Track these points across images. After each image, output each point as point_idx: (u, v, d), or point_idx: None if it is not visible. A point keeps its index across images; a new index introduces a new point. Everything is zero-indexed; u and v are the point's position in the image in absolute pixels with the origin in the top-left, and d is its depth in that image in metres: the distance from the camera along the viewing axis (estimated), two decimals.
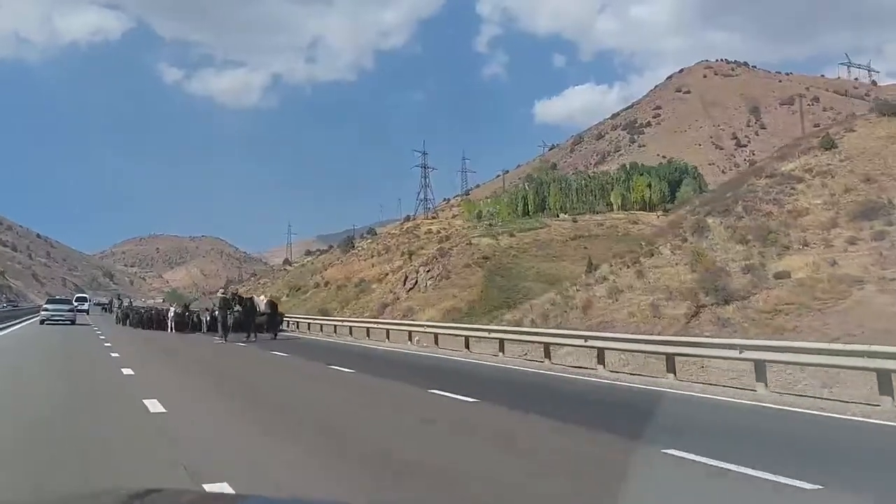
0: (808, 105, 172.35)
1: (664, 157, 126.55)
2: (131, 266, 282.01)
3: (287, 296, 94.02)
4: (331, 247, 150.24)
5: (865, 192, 38.95)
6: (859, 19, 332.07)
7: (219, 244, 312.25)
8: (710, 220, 40.86)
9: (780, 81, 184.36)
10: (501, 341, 20.99)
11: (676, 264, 37.86)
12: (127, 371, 14.48)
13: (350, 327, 34.07)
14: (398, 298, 55.91)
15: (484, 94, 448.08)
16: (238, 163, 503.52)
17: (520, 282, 52.52)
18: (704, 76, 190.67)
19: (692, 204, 76.20)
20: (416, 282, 56.65)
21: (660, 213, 76.55)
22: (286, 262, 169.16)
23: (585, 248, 59.54)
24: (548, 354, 19.07)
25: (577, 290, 39.24)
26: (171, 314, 34.26)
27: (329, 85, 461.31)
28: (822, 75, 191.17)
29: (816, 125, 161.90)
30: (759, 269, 33.52)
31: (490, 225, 70.87)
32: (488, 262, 56.38)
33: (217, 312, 28.90)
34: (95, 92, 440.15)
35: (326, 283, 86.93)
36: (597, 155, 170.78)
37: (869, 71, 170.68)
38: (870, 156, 42.75)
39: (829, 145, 44.58)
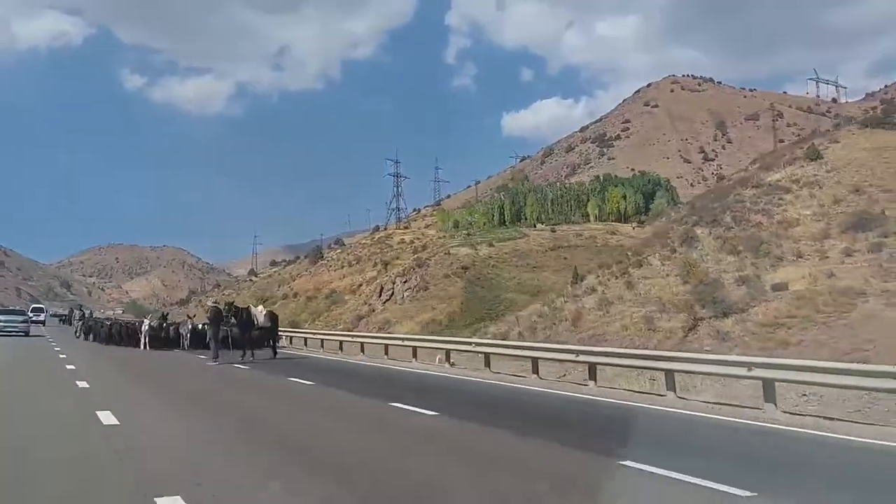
0: (773, 120, 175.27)
1: (633, 169, 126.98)
2: (90, 276, 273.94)
3: (253, 307, 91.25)
4: (298, 257, 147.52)
5: (856, 202, 38.44)
6: (817, 40, 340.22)
7: (180, 254, 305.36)
8: (698, 231, 40.02)
9: (745, 97, 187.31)
10: (487, 356, 19.43)
11: (667, 275, 36.82)
12: (104, 415, 9.16)
13: (321, 340, 32.06)
14: (373, 310, 54.09)
15: (453, 105, 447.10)
16: (202, 172, 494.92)
17: (501, 293, 51.13)
18: (672, 91, 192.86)
19: (668, 216, 75.88)
20: (393, 293, 54.90)
21: (635, 224, 76.14)
22: (252, 272, 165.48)
23: (565, 258, 58.52)
24: (536, 369, 17.63)
25: (565, 302, 37.96)
26: (145, 327, 28.40)
27: (296, 94, 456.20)
28: (785, 92, 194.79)
29: (781, 140, 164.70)
30: (755, 280, 32.60)
31: (468, 234, 69.44)
32: (468, 272, 54.90)
33: (206, 326, 24.48)
34: (55, 98, 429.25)
35: (295, 294, 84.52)
36: (567, 167, 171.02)
37: (837, 86, 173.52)
38: (857, 166, 42.40)
39: (814, 156, 44.18)
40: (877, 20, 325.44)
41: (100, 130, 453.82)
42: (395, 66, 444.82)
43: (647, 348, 27.74)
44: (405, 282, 54.80)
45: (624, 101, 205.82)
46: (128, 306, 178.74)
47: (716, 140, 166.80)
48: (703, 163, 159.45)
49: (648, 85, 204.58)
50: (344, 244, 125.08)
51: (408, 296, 53.26)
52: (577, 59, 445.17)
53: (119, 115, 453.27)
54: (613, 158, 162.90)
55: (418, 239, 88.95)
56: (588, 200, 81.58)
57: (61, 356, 17.21)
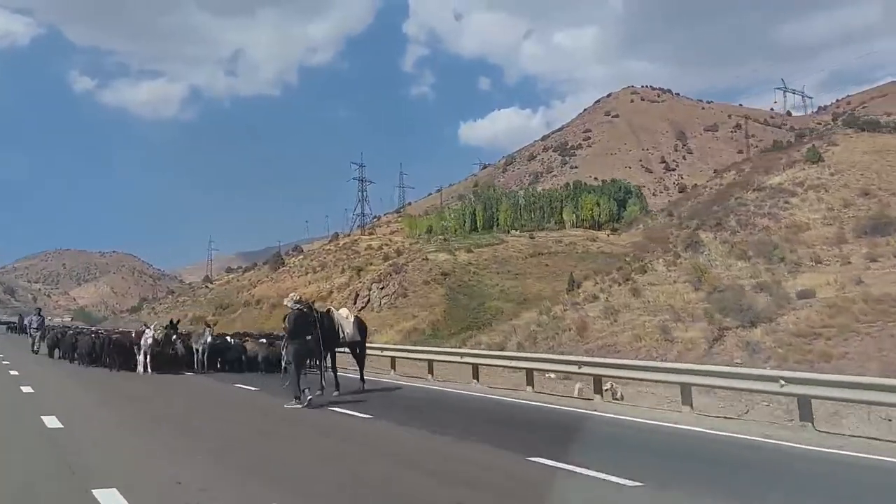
0: (731, 132, 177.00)
1: (597, 178, 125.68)
2: (35, 282, 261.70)
3: (214, 315, 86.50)
4: (255, 264, 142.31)
5: (866, 206, 36.53)
6: (771, 54, 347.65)
7: (130, 260, 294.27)
8: (703, 235, 37.64)
9: (703, 108, 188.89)
10: (475, 367, 16.69)
11: (674, 281, 34.23)
12: None
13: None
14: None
15: (411, 113, 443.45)
16: (154, 176, 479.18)
17: (485, 300, 48.11)
18: (632, 101, 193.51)
19: (646, 223, 74.11)
20: (369, 300, 51.37)
21: (609, 231, 74.12)
22: (207, 279, 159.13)
23: (547, 265, 55.91)
24: (530, 381, 15.09)
25: (565, 310, 35.03)
26: (146, 339, 18.71)
27: (251, 99, 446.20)
28: (741, 104, 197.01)
29: (740, 151, 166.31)
30: (774, 287, 30.19)
31: (444, 240, 66.33)
32: (447, 278, 51.75)
33: (284, 343, 12.87)
34: None
35: (258, 302, 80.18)
36: (530, 175, 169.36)
37: (803, 96, 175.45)
38: (861, 169, 40.65)
39: (815, 158, 42.34)
40: (826, 37, 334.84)
41: (47, 133, 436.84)
42: (354, 74, 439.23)
43: (664, 360, 25.07)
44: (382, 288, 51.34)
45: (584, 110, 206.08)
46: (76, 313, 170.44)
47: (676, 150, 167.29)
48: (664, 172, 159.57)
49: (608, 95, 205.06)
50: (303, 251, 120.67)
51: (385, 303, 49.81)
52: (534, 69, 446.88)
53: (68, 118, 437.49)
54: (576, 167, 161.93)
55: (386, 245, 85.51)
56: (562, 207, 79.25)
57: (24, 389, 12.26)
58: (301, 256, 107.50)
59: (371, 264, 63.37)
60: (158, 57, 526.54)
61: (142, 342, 18.74)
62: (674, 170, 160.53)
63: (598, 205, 80.00)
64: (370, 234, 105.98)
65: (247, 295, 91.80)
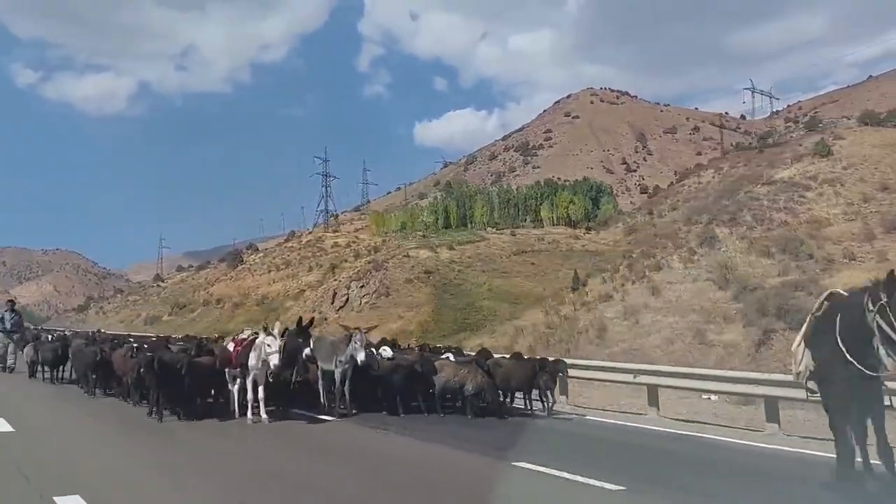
0: (690, 134, 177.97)
1: (559, 178, 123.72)
2: None
3: (170, 314, 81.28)
4: (209, 262, 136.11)
5: (888, 201, 34.56)
6: (723, 60, 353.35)
7: (74, 258, 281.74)
8: (717, 231, 35.09)
9: (662, 111, 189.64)
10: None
11: (694, 280, 31.52)
12: None
13: None
14: (326, 319, 46.40)
15: (366, 113, 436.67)
16: (99, 173, 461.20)
17: (474, 300, 44.81)
18: (591, 103, 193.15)
19: (624, 221, 71.88)
20: (348, 298, 47.52)
21: (584, 229, 71.68)
22: (158, 277, 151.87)
23: (533, 263, 52.96)
24: (654, 402, 11.21)
25: (576, 310, 31.99)
26: (263, 354, 8.85)
27: (202, 96, 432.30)
28: (696, 108, 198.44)
29: (699, 153, 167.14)
30: (811, 285, 27.73)
31: (423, 236, 62.81)
32: (431, 276, 48.30)
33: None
34: None
35: (218, 301, 75.25)
36: (492, 175, 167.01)
37: (770, 97, 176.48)
38: (873, 163, 38.69)
39: (824, 152, 40.28)
40: (773, 46, 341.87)
41: None
42: (308, 72, 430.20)
43: (702, 366, 22.22)
44: (362, 286, 47.55)
45: (544, 111, 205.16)
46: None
47: (637, 152, 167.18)
48: (626, 173, 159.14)
49: (568, 96, 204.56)
50: (258, 249, 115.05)
51: (367, 302, 46.07)
52: (490, 71, 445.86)
53: (10, 112, 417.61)
54: (539, 167, 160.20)
55: (354, 242, 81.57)
56: (538, 205, 76.48)
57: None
58: (261, 254, 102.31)
59: (345, 261, 59.36)
60: (106, 51, 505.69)
61: (251, 360, 9.06)
62: (635, 171, 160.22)
63: (574, 203, 77.50)
64: (334, 231, 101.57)
65: (204, 294, 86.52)
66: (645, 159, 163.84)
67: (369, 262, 50.76)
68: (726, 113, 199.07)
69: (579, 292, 34.06)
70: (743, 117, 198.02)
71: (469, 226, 71.82)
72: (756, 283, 29.23)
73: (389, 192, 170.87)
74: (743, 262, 32.18)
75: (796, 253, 31.01)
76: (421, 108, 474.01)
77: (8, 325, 17.68)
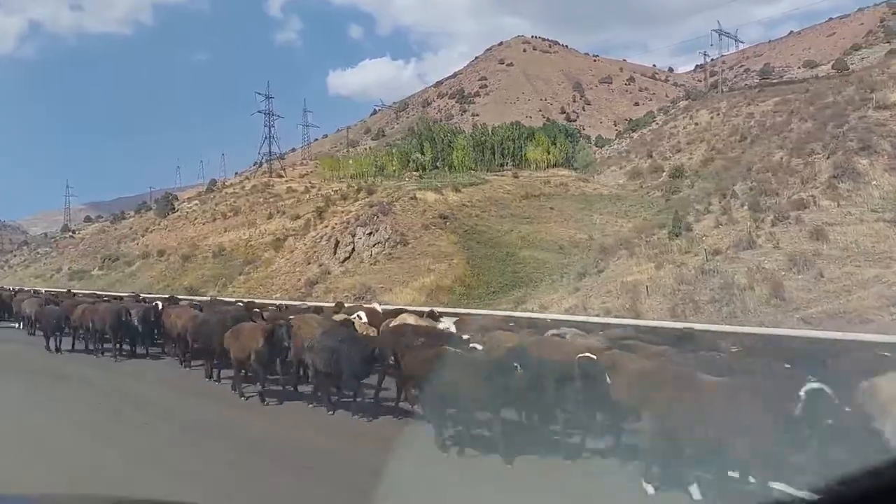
0: (625, 84, 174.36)
1: (500, 126, 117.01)
2: None
3: (100, 269, 69.34)
4: (123, 212, 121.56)
5: None
6: (634, 18, 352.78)
7: None
8: (857, 162, 28.68)
9: (595, 61, 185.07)
10: None
11: (860, 220, 25.14)
12: None
13: None
14: (329, 273, 37.77)
15: (277, 59, 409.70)
16: None
17: (511, 250, 37.23)
18: (524, 51, 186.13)
19: (619, 164, 65.72)
20: (354, 248, 38.84)
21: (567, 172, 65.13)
22: (66, 229, 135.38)
23: (551, 208, 45.73)
24: None
25: (708, 261, 24.88)
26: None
27: (100, 37, 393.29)
28: (625, 59, 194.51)
29: (637, 103, 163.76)
30: None
31: (420, 177, 54.36)
32: (448, 222, 40.24)
33: None
34: None
35: (161, 253, 64.11)
36: (409, 126, 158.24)
37: (736, 40, 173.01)
38: None
39: None
40: (682, 5, 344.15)
41: None
42: (214, 16, 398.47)
43: None
44: (370, 234, 38.95)
45: (476, 58, 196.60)
46: None
47: (575, 101, 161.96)
48: (566, 123, 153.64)
49: (500, 44, 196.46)
50: (176, 198, 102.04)
51: (379, 253, 37.64)
52: (407, 19, 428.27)
53: None
54: (477, 115, 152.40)
55: (311, 187, 71.75)
56: (517, 147, 68.98)
57: None
58: (195, 202, 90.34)
59: (333, 205, 49.93)
60: None
61: None
62: (574, 120, 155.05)
63: (556, 144, 70.56)
64: (278, 176, 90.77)
65: (138, 245, 74.67)
66: (584, 109, 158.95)
67: (372, 206, 42.04)
68: (654, 65, 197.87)
69: (692, 238, 27.08)
70: (671, 69, 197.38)
71: (448, 170, 63.56)
72: None
73: (317, 139, 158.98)
74: None
75: None
76: (336, 57, 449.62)
77: None
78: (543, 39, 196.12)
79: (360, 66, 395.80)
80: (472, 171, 61.52)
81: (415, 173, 58.29)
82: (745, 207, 27.45)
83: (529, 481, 5.99)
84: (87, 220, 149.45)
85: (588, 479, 5.89)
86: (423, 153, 65.61)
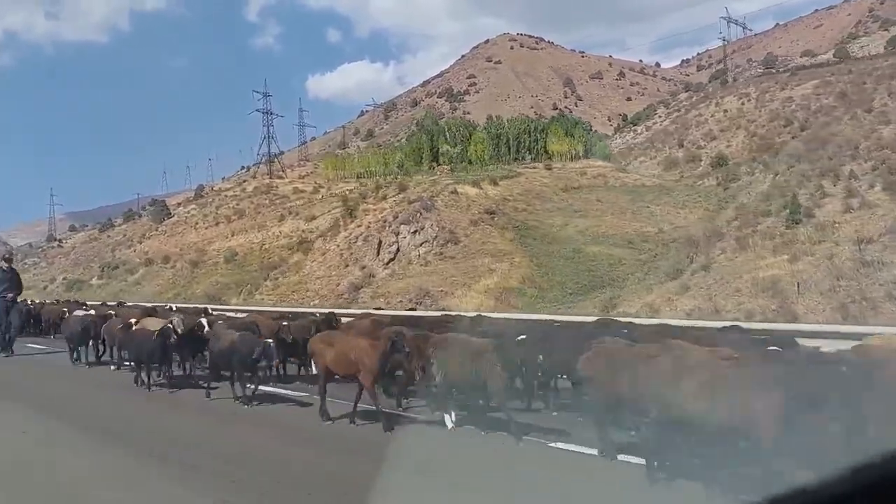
0: (616, 79, 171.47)
1: (514, 118, 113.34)
2: None
3: (99, 278, 64.21)
4: (110, 219, 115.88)
5: None
6: (612, 17, 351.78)
7: None
8: None
9: (583, 57, 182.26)
10: None
11: None
12: None
13: None
14: (373, 275, 33.48)
15: (255, 64, 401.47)
16: None
17: (571, 245, 33.25)
18: (511, 48, 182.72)
19: (645, 156, 62.08)
20: (398, 248, 34.59)
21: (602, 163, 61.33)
22: (52, 238, 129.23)
23: (598, 201, 41.82)
24: None
25: (860, 250, 21.04)
26: None
27: (77, 45, 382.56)
28: (611, 56, 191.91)
29: (629, 98, 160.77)
30: None
31: (451, 170, 50.19)
32: (496, 218, 36.16)
33: None
34: None
35: (165, 260, 59.21)
36: (416, 122, 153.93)
37: (744, 28, 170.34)
38: None
39: None
40: (660, 4, 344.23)
41: None
42: (192, 22, 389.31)
43: None
44: (414, 232, 34.75)
45: (462, 56, 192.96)
46: None
47: (566, 97, 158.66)
48: (572, 116, 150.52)
49: (486, 41, 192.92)
50: (165, 204, 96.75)
51: (428, 252, 33.48)
52: (385, 22, 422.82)
53: None
54: (469, 113, 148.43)
55: (320, 187, 67.29)
56: (535, 140, 65.11)
57: None
58: (192, 206, 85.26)
59: (360, 206, 45.32)
60: None
61: None
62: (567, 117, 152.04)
63: (573, 136, 66.81)
64: (279, 177, 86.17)
65: (136, 252, 69.59)
66: (576, 104, 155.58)
67: (412, 202, 37.75)
68: (640, 60, 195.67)
69: (814, 226, 23.27)
70: (658, 64, 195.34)
71: (464, 164, 59.40)
72: None
73: (305, 142, 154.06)
74: None
75: None
76: (315, 61, 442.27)
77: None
78: (530, 37, 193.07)
79: (339, 70, 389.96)
80: (493, 165, 57.49)
81: (444, 168, 53.96)
82: (878, 189, 23.65)
83: None
84: (73, 228, 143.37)
85: None
86: (451, 146, 61.39)
